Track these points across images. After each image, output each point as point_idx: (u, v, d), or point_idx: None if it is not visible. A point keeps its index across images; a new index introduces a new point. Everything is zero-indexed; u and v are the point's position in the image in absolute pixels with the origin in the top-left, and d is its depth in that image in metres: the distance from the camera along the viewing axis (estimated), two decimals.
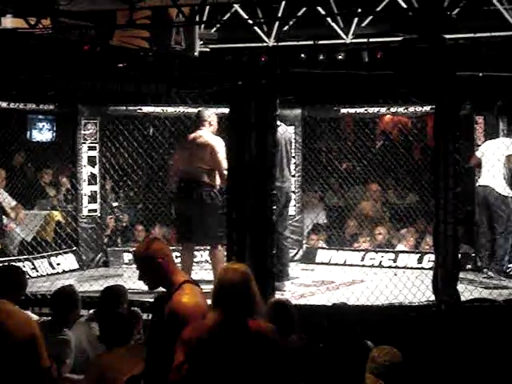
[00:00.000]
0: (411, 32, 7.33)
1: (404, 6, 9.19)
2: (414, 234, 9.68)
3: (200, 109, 8.12)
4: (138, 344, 4.95)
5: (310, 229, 10.07)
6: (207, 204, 7.66)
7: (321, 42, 10.34)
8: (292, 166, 8.50)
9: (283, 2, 9.80)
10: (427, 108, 8.89)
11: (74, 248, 9.02)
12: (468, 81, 7.69)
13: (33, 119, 10.61)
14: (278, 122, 7.26)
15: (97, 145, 9.13)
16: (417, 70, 6.92)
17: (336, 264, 9.39)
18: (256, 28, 10.37)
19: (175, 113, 9.28)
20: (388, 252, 9.41)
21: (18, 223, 9.05)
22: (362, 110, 9.44)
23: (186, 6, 8.39)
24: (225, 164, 7.52)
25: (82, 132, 9.04)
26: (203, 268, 8.69)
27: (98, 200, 9.18)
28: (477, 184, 8.62)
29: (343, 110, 9.47)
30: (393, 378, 4.12)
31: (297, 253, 9.54)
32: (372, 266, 9.20)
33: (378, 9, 9.24)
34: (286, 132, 8.01)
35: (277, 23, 10.36)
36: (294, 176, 8.92)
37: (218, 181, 7.72)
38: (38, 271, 8.49)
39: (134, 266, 4.17)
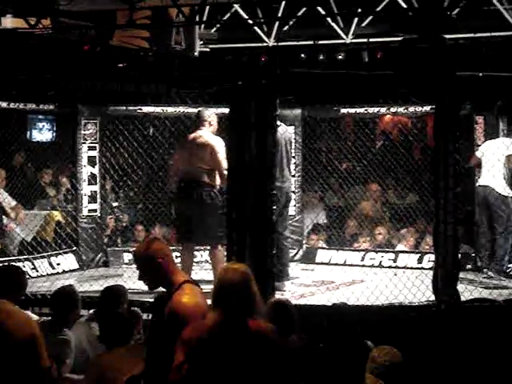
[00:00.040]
0: (411, 32, 7.33)
1: (404, 5, 9.20)
2: (414, 234, 9.68)
3: (200, 109, 8.12)
4: (138, 344, 4.95)
5: (309, 229, 10.08)
6: (207, 204, 7.66)
7: (321, 42, 10.33)
8: (292, 166, 8.50)
9: (283, 2, 9.80)
10: (427, 108, 8.89)
11: (74, 248, 9.02)
12: (468, 81, 7.69)
13: (33, 119, 10.61)
14: (278, 122, 7.26)
15: (97, 145, 9.13)
16: (417, 70, 6.92)
17: (336, 264, 9.39)
18: (256, 28, 10.37)
19: (175, 113, 9.28)
20: (388, 252, 9.41)
21: (17, 223, 9.05)
22: (361, 110, 9.44)
23: (185, 5, 8.40)
24: (225, 164, 7.52)
25: (82, 132, 9.04)
26: (203, 268, 8.70)
27: (98, 200, 9.18)
28: (477, 184, 8.62)
29: (343, 110, 9.48)
30: (393, 377, 4.12)
31: (297, 253, 9.54)
32: (372, 266, 9.19)
33: (378, 9, 9.24)
34: (286, 132, 8.01)
35: (277, 23, 10.36)
36: (294, 176, 8.92)
37: (218, 181, 7.72)
38: (37, 271, 8.49)
39: (134, 265, 4.17)
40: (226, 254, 7.08)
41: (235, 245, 6.74)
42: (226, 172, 7.50)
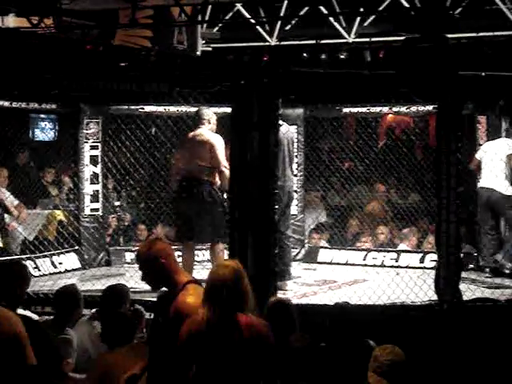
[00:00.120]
0: (413, 31, 7.31)
1: (406, 5, 9.17)
2: (416, 234, 9.68)
3: (199, 107, 8.15)
4: (140, 343, 4.96)
5: (311, 228, 10.07)
6: (208, 202, 7.68)
7: (323, 42, 10.31)
8: (294, 166, 8.50)
9: (285, 2, 9.80)
10: (429, 107, 8.89)
11: (76, 247, 9.02)
12: (470, 80, 7.69)
13: (35, 118, 10.63)
14: (281, 122, 7.26)
15: (99, 144, 9.13)
16: (419, 69, 6.91)
17: (338, 263, 9.39)
18: (258, 27, 10.35)
19: (177, 112, 9.28)
20: (390, 251, 9.41)
21: (20, 222, 9.05)
22: (364, 110, 9.45)
23: (188, 5, 8.40)
24: (224, 161, 7.55)
25: (84, 131, 9.04)
26: (205, 267, 8.69)
27: (100, 199, 9.19)
28: (478, 185, 8.60)
29: (345, 110, 9.49)
30: (395, 376, 4.12)
31: (299, 252, 9.54)
32: (374, 265, 9.19)
33: (381, 8, 9.21)
34: (288, 131, 8.01)
35: (279, 22, 10.34)
36: (296, 175, 8.92)
37: (218, 178, 7.74)
38: (40, 270, 8.49)
39: (136, 265, 4.17)
40: (228, 253, 7.08)
41: (237, 244, 6.74)
42: (224, 169, 7.53)
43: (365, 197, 10.33)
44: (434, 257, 7.51)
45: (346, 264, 9.34)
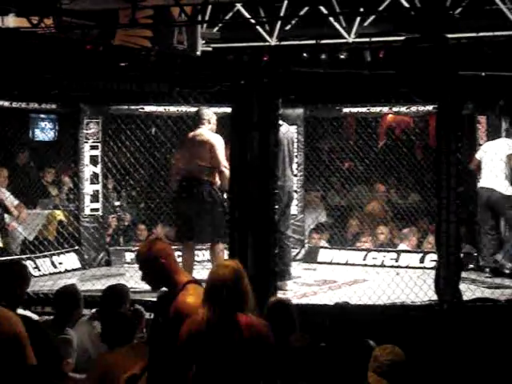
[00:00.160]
0: (413, 31, 7.32)
1: (406, 5, 9.17)
2: (416, 234, 9.68)
3: (199, 107, 8.15)
4: (140, 342, 4.96)
5: (311, 228, 10.08)
6: (208, 202, 7.69)
7: (323, 42, 10.31)
8: (294, 166, 8.51)
9: (285, 2, 9.80)
10: (429, 107, 8.89)
11: (76, 247, 9.02)
12: (470, 80, 7.69)
13: (35, 118, 10.63)
14: (281, 122, 7.26)
15: (99, 144, 9.14)
16: (419, 69, 6.91)
17: (338, 263, 9.39)
18: (258, 27, 10.35)
19: (177, 112, 9.29)
20: (390, 251, 9.41)
21: (20, 222, 9.05)
22: (364, 110, 9.45)
23: (188, 5, 8.40)
24: (224, 161, 7.56)
25: (84, 131, 9.04)
26: (205, 267, 8.69)
27: (100, 199, 9.19)
28: (478, 185, 8.60)
29: (345, 110, 9.49)
30: (395, 376, 4.12)
31: (299, 252, 9.54)
32: (374, 265, 9.19)
33: (381, 8, 9.21)
34: (288, 131, 8.01)
35: (279, 22, 10.34)
36: (296, 175, 8.92)
37: (218, 178, 7.75)
38: (40, 270, 8.49)
39: (136, 265, 4.17)
40: (228, 253, 7.08)
41: (237, 244, 6.74)
42: (225, 169, 7.54)
43: (365, 197, 10.33)
44: (434, 257, 7.51)
45: (346, 264, 9.34)
